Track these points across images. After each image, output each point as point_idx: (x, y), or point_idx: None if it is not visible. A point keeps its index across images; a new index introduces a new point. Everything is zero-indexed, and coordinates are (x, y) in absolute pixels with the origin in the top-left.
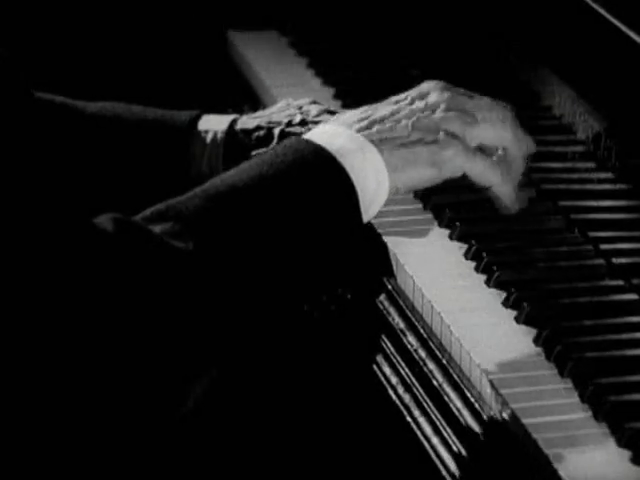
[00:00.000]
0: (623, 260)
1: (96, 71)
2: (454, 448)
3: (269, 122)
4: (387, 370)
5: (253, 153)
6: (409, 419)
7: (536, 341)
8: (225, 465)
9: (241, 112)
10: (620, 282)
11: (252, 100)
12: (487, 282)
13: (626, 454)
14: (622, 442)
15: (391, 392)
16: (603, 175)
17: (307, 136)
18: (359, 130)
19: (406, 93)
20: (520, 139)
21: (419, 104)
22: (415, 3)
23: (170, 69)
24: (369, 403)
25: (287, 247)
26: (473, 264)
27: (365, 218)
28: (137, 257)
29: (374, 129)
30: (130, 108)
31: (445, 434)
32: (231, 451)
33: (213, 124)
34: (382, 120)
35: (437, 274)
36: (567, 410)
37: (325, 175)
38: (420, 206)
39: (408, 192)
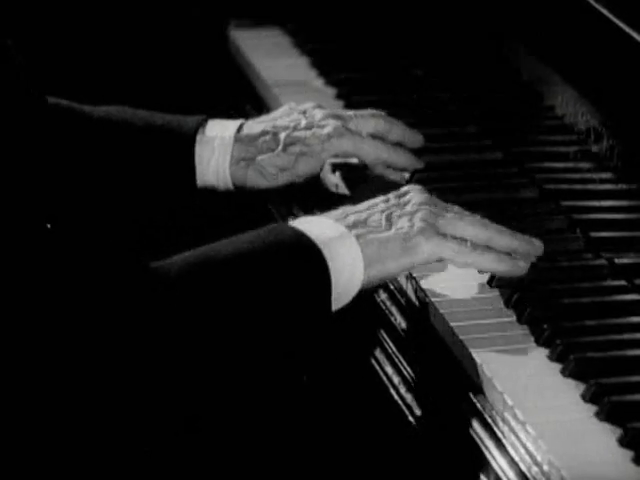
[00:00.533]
0: (625, 260)
1: (98, 70)
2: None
3: (274, 127)
4: (389, 370)
5: (259, 158)
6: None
7: (538, 341)
8: (224, 464)
9: (243, 111)
10: (622, 282)
11: (254, 99)
12: (489, 283)
13: (628, 454)
14: (624, 442)
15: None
16: (605, 175)
17: (290, 223)
18: (337, 220)
19: (385, 195)
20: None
21: (394, 201)
22: (418, 3)
23: (171, 67)
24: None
25: (255, 322)
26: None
27: (334, 307)
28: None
29: (350, 219)
30: (137, 113)
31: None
32: (230, 449)
33: (219, 130)
34: (358, 212)
35: (442, 278)
36: (569, 409)
37: (303, 259)
38: None
39: (378, 283)
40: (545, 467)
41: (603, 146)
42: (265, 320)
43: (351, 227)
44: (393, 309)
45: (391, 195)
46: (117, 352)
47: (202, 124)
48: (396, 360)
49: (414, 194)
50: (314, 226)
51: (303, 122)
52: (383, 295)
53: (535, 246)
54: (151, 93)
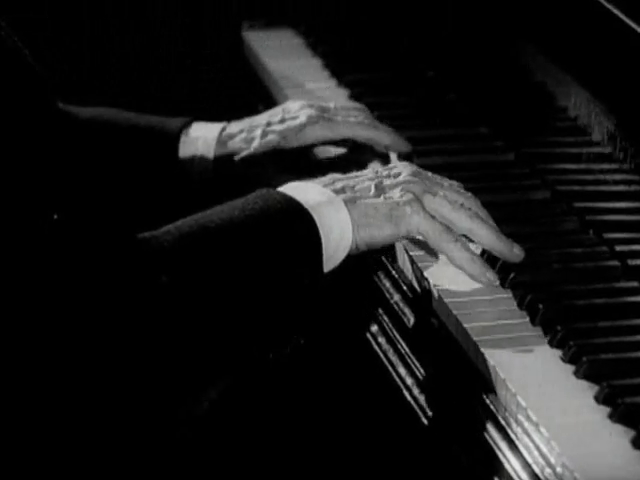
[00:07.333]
0: (638, 262)
1: (117, 72)
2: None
3: (251, 125)
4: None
5: (236, 158)
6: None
7: (551, 342)
8: (223, 455)
9: (256, 111)
10: (635, 284)
11: (267, 100)
12: (502, 283)
13: None
14: (637, 444)
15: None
16: (618, 176)
17: (279, 188)
18: (325, 185)
19: (374, 168)
20: (488, 226)
21: (384, 172)
22: (431, 5)
23: (185, 69)
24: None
25: (251, 287)
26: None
27: (325, 269)
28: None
29: (338, 185)
30: (123, 114)
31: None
32: (225, 423)
33: (203, 131)
34: (347, 178)
35: (456, 279)
36: (582, 411)
37: (293, 223)
38: None
39: (364, 249)
40: (558, 469)
41: (616, 147)
42: (260, 283)
43: (339, 191)
44: (406, 310)
45: (380, 168)
46: (117, 331)
47: (186, 125)
48: (409, 361)
49: (404, 168)
50: (302, 191)
51: (279, 116)
52: (396, 296)
53: (514, 253)
54: (165, 94)
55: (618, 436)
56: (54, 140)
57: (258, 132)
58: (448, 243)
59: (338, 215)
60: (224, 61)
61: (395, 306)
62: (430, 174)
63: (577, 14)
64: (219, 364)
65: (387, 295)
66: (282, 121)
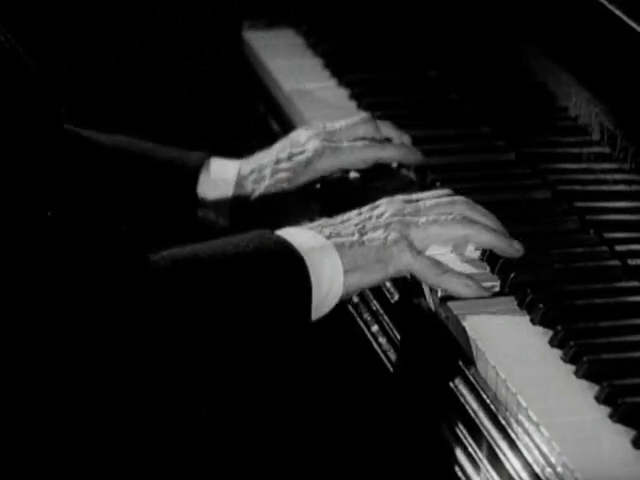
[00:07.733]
0: (639, 261)
1: (117, 72)
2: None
3: (260, 164)
4: None
5: (252, 198)
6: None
7: (552, 342)
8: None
9: (256, 111)
10: (635, 283)
11: (267, 99)
12: (503, 284)
13: None
14: (638, 444)
15: None
16: (619, 176)
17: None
18: (313, 231)
19: (359, 209)
20: (484, 228)
21: (367, 214)
22: (432, 5)
23: (185, 69)
24: None
25: (236, 320)
26: (488, 267)
27: (313, 317)
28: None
29: (326, 231)
30: (141, 145)
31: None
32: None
33: (222, 171)
34: (332, 224)
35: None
36: (583, 411)
37: (284, 264)
38: None
39: (354, 293)
40: (559, 469)
41: (616, 147)
42: (246, 318)
43: (328, 238)
44: (407, 310)
45: (364, 208)
46: (105, 339)
47: (205, 162)
48: (410, 361)
49: (387, 205)
50: (295, 236)
51: (286, 152)
52: (396, 296)
53: (514, 249)
54: (164, 93)
55: (619, 436)
56: (51, 139)
57: (267, 172)
58: (438, 277)
59: (330, 261)
60: (224, 61)
61: (396, 306)
62: (415, 197)
63: (578, 15)
64: (203, 384)
65: (387, 295)
66: (289, 158)
